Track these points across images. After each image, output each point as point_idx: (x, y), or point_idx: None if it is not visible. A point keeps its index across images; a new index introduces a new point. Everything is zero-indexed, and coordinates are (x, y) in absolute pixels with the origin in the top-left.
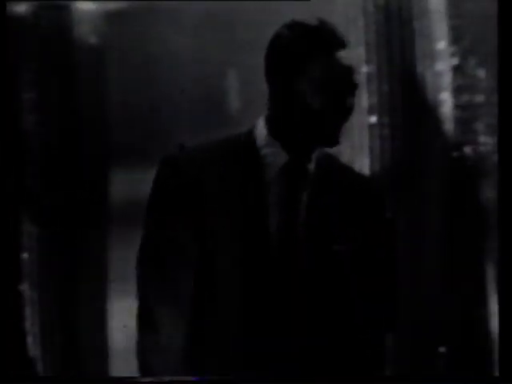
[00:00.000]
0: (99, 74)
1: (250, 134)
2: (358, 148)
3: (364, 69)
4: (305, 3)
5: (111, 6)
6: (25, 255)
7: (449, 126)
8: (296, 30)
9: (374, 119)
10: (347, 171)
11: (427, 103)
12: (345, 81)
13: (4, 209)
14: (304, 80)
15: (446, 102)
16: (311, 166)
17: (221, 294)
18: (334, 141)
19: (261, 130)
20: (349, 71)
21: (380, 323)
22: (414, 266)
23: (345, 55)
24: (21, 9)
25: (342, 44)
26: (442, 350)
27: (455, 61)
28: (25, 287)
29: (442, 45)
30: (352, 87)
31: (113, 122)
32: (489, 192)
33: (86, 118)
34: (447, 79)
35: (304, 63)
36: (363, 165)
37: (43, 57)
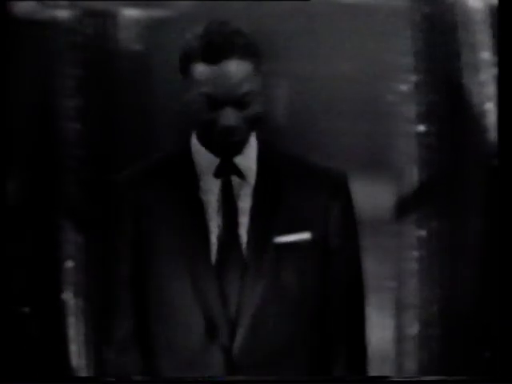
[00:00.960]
0: (142, 80)
1: (186, 146)
2: (406, 156)
3: (412, 78)
4: (354, 12)
5: (155, 13)
6: (69, 264)
7: (493, 135)
8: (198, 32)
9: (422, 128)
10: (296, 162)
11: (472, 113)
12: (226, 92)
13: (47, 217)
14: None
15: (489, 111)
16: (248, 163)
17: (166, 305)
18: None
19: (194, 139)
20: (230, 82)
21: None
22: (453, 272)
23: (231, 65)
24: (64, 14)
25: (218, 54)
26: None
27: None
28: (68, 296)
29: (486, 55)
30: (234, 97)
31: (156, 129)
32: None
33: (130, 125)
34: (491, 89)
35: (191, 69)
36: (412, 174)
37: (87, 63)
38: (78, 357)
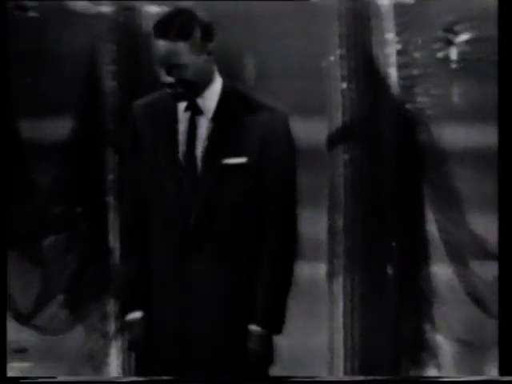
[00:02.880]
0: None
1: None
2: (335, 105)
3: (339, 51)
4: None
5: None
6: (110, 176)
7: (395, 89)
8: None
9: (344, 85)
10: (251, 103)
11: (380, 75)
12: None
13: (94, 145)
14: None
15: (392, 74)
16: (210, 104)
17: (149, 201)
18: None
19: None
20: (166, 55)
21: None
22: (372, 182)
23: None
24: (106, 9)
25: (162, 32)
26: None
27: (399, 47)
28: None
29: (390, 35)
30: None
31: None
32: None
33: (143, 81)
34: (393, 59)
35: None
36: (338, 117)
37: (120, 42)
38: (113, 239)
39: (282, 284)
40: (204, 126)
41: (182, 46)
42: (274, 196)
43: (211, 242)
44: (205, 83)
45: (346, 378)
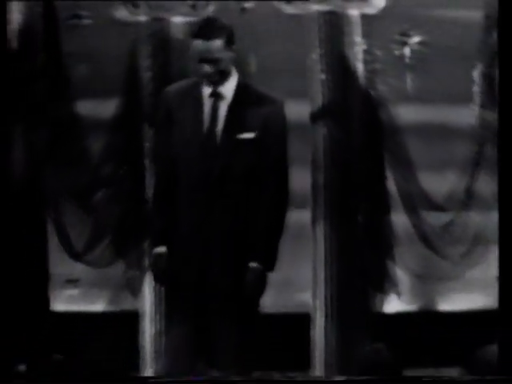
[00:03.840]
0: (180, 50)
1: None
2: (318, 91)
3: (319, 51)
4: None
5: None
6: (147, 145)
7: (362, 80)
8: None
9: (323, 76)
10: (257, 94)
11: (352, 69)
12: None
13: (133, 120)
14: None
15: (359, 69)
16: (229, 93)
17: (178, 172)
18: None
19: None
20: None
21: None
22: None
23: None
24: (142, 18)
25: (201, 33)
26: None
27: (365, 47)
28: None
29: (357, 38)
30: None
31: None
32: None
33: (174, 72)
34: (360, 55)
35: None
36: (319, 100)
37: (152, 43)
38: (149, 193)
39: (275, 230)
40: (223, 109)
41: (217, 44)
42: (272, 163)
43: (225, 196)
44: (227, 75)
45: (343, 378)
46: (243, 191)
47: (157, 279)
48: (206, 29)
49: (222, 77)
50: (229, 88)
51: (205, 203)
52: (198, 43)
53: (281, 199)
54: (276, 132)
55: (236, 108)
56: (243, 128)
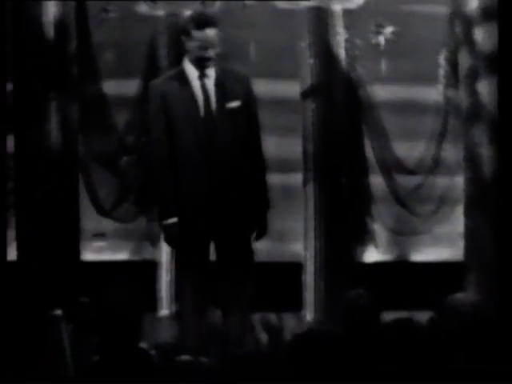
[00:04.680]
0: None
1: (181, 66)
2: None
3: (306, 40)
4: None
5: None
6: None
7: (344, 64)
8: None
9: (311, 61)
10: (231, 72)
11: (334, 55)
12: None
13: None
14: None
15: (342, 55)
16: (212, 73)
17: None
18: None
19: (185, 62)
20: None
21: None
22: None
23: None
24: (159, 12)
25: (200, 24)
26: None
27: (346, 36)
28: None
29: (341, 30)
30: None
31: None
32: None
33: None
34: (342, 50)
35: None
36: (307, 80)
37: (168, 34)
38: None
39: (264, 171)
40: (211, 86)
41: (213, 33)
42: (254, 124)
43: (220, 157)
44: (214, 59)
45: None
46: (233, 149)
47: (170, 244)
48: (204, 19)
49: (212, 60)
50: (211, 69)
51: (204, 162)
52: (202, 32)
53: (260, 156)
54: (251, 99)
55: (220, 84)
56: (230, 98)
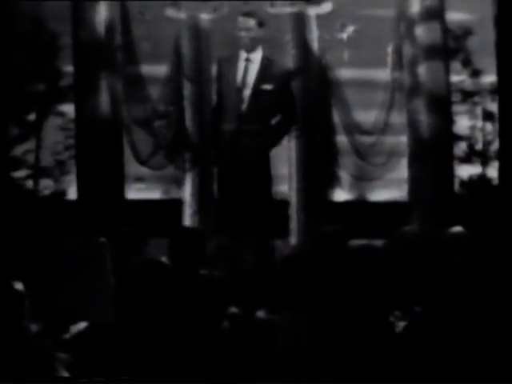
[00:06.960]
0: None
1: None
2: (288, 61)
3: (289, 36)
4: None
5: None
6: None
7: (317, 54)
8: None
9: (294, 51)
10: (274, 62)
11: (309, 48)
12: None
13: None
14: None
15: (315, 47)
16: (257, 59)
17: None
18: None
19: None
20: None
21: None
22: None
23: None
24: (172, 14)
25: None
26: None
27: (318, 33)
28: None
29: (314, 32)
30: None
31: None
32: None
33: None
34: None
35: None
36: (290, 66)
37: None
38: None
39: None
40: (253, 70)
41: (252, 23)
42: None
43: (254, 124)
44: (257, 47)
45: None
46: (266, 122)
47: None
48: (247, 13)
49: (253, 46)
50: (257, 57)
51: (238, 131)
52: (246, 20)
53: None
54: (286, 86)
55: (260, 70)
56: (265, 81)
